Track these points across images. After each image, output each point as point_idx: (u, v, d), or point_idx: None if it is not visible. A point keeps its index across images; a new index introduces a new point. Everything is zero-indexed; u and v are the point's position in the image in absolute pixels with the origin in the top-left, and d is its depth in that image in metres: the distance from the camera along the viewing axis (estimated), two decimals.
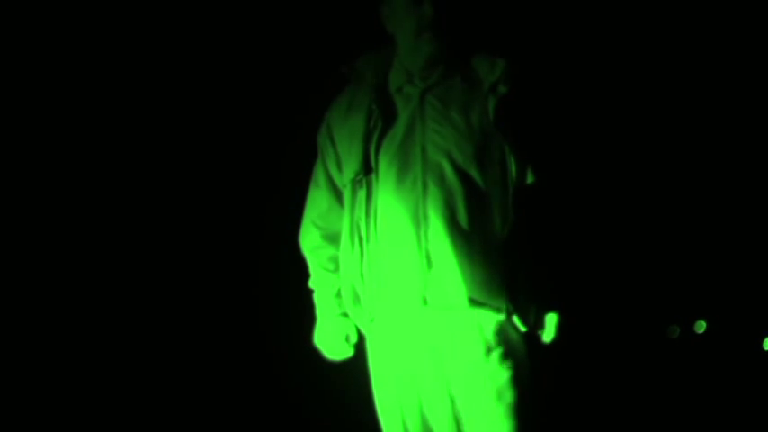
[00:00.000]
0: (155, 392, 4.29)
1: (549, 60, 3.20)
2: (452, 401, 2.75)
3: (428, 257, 2.69)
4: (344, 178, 2.85)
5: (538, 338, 2.74)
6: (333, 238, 2.94)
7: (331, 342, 2.95)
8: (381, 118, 2.78)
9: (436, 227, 2.68)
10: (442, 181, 2.70)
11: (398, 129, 2.77)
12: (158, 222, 4.32)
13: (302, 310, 3.11)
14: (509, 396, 2.68)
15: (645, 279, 4.74)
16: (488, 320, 2.71)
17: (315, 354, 3.05)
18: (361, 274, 2.78)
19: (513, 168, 2.69)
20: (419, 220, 2.70)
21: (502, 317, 2.70)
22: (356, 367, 3.06)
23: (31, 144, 4.21)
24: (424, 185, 2.70)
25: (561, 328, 2.73)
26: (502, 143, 2.70)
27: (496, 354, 2.70)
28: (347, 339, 2.92)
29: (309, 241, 3.00)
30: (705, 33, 4.39)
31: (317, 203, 2.97)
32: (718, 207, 4.80)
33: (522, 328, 2.71)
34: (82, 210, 4.26)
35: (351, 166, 2.81)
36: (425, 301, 2.70)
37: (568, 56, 4.02)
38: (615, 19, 4.25)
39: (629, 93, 4.36)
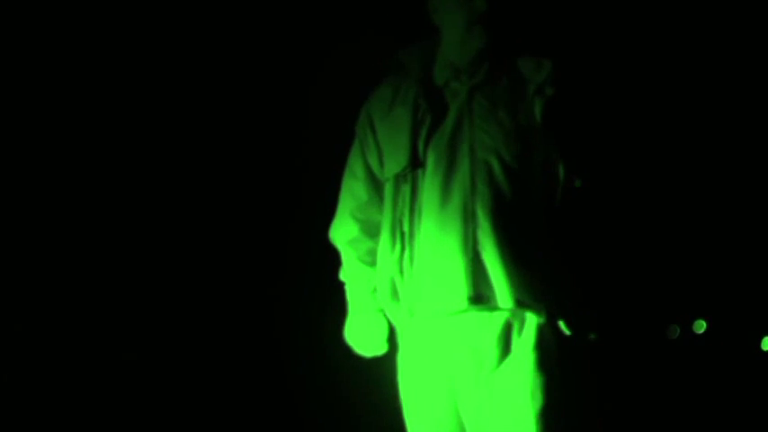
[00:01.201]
0: (170, 392, 4.27)
1: (597, 62, 3.18)
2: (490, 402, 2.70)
3: (476, 257, 2.65)
4: (387, 172, 2.80)
5: (577, 341, 2.71)
6: (370, 232, 2.90)
7: (365, 337, 2.89)
8: (430, 112, 2.75)
9: (485, 226, 2.65)
10: (490, 180, 2.67)
11: (446, 125, 2.74)
12: (174, 223, 4.29)
13: (318, 311, 3.08)
14: (541, 399, 2.65)
15: (644, 279, 4.75)
16: (529, 323, 2.68)
17: (330, 353, 3.02)
18: (401, 271, 2.73)
19: (560, 171, 2.67)
20: (467, 218, 2.66)
21: (543, 319, 2.67)
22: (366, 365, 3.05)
23: (63, 151, 4.19)
24: (473, 184, 2.67)
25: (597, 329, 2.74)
26: (549, 145, 2.69)
27: (534, 356, 2.67)
28: (383, 335, 2.86)
29: (346, 233, 2.95)
30: (758, 37, 4.40)
31: (355, 195, 2.92)
32: (718, 207, 4.81)
33: (567, 332, 2.69)
34: (100, 212, 4.23)
35: (396, 160, 2.76)
36: (470, 301, 2.66)
37: (617, 58, 4.01)
38: (666, 21, 4.26)
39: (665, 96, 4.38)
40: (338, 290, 3.06)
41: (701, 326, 4.98)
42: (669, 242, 4.77)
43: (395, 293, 2.77)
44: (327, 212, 3.06)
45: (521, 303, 2.65)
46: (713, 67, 4.44)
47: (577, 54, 2.90)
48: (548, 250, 2.67)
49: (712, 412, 4.78)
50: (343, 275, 2.99)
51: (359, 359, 2.99)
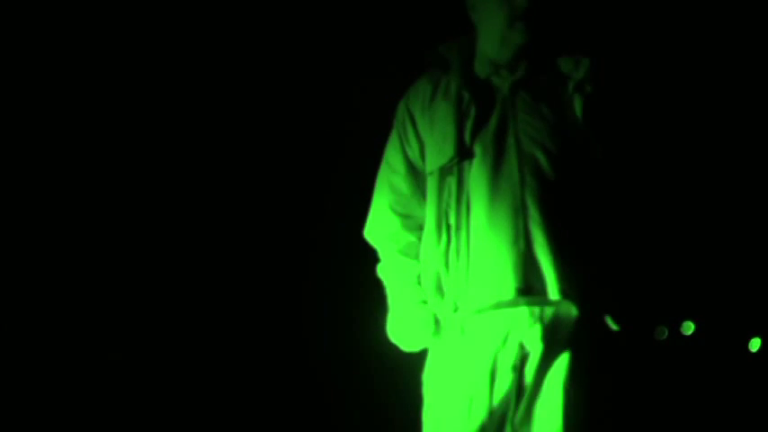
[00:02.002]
0: (197, 392, 4.24)
1: (636, 59, 3.22)
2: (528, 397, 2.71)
3: (527, 250, 2.66)
4: (431, 165, 2.80)
5: (620, 337, 2.75)
6: (410, 226, 2.89)
7: (410, 331, 2.84)
8: (474, 104, 2.76)
9: (536, 218, 2.66)
10: (538, 173, 2.68)
11: (492, 118, 2.75)
12: (199, 222, 4.27)
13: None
14: (574, 394, 2.68)
15: (635, 279, 4.76)
16: (574, 317, 2.69)
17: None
18: (447, 264, 2.73)
19: (601, 167, 2.71)
20: (517, 210, 2.67)
21: (588, 314, 2.69)
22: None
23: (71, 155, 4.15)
24: (521, 176, 2.68)
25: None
26: (590, 142, 2.71)
27: (573, 351, 2.69)
28: (430, 327, 2.81)
29: (385, 227, 2.93)
30: None
31: (395, 189, 2.91)
32: (707, 208, 4.85)
33: (615, 327, 2.72)
34: (125, 213, 4.20)
35: (442, 152, 2.76)
36: (520, 292, 2.67)
37: (656, 55, 4.05)
38: (705, 18, 4.29)
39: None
40: (365, 290, 3.06)
41: (689, 327, 5.02)
42: (658, 242, 4.79)
43: (439, 288, 2.77)
44: (354, 213, 3.06)
45: (568, 296, 2.66)
46: (746, 72, 4.49)
47: (616, 51, 2.93)
48: (592, 243, 2.70)
49: (700, 414, 4.81)
50: (381, 272, 2.96)
51: (391, 355, 2.97)
